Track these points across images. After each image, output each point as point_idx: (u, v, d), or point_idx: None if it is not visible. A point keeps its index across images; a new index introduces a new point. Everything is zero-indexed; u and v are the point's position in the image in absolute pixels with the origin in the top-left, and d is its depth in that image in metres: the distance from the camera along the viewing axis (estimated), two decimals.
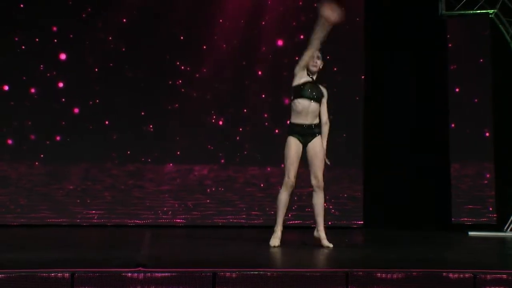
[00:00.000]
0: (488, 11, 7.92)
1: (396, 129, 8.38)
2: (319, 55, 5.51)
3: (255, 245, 5.81)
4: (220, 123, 8.25)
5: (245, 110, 8.29)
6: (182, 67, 8.21)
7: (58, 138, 7.91)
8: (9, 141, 7.85)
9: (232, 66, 8.22)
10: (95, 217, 7.88)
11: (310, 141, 5.47)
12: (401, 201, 8.25)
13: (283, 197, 5.51)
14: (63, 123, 7.93)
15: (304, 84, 5.47)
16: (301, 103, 5.43)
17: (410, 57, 8.50)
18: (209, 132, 8.20)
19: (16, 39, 7.85)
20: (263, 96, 8.33)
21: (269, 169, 8.18)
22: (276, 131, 8.06)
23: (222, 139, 8.22)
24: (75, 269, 3.82)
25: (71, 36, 7.97)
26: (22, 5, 7.89)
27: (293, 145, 5.46)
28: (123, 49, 8.09)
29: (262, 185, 8.21)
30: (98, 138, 7.95)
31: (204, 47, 8.21)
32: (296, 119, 5.48)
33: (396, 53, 8.43)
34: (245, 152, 8.23)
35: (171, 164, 8.13)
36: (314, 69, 5.50)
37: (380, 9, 8.55)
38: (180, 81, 8.21)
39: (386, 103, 8.44)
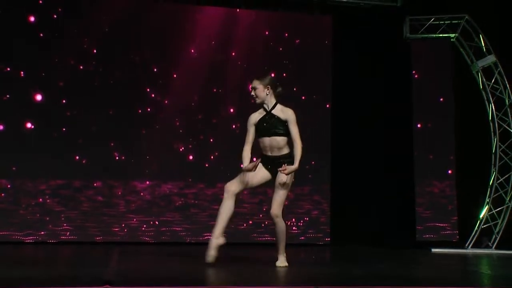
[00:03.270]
0: (450, 35, 8.23)
1: (363, 150, 8.59)
2: (254, 86, 5.26)
3: (223, 262, 5.86)
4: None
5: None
6: (153, 72, 8.29)
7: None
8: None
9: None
10: (64, 234, 7.83)
11: (274, 169, 5.35)
12: (367, 218, 8.42)
13: (222, 205, 5.35)
14: (30, 123, 7.86)
15: (259, 122, 5.30)
16: (262, 141, 5.35)
17: (376, 81, 8.72)
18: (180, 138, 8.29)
19: None
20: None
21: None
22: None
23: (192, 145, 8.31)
24: (43, 287, 3.82)
25: (41, 35, 7.95)
26: None
27: (260, 166, 5.41)
28: (94, 51, 8.10)
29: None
30: (62, 145, 7.89)
31: (174, 53, 8.34)
32: (263, 152, 5.42)
33: (362, 78, 8.65)
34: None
35: (141, 176, 8.13)
36: (258, 101, 5.29)
37: (346, 32, 8.79)
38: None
39: (353, 123, 8.64)
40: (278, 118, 5.29)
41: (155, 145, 8.18)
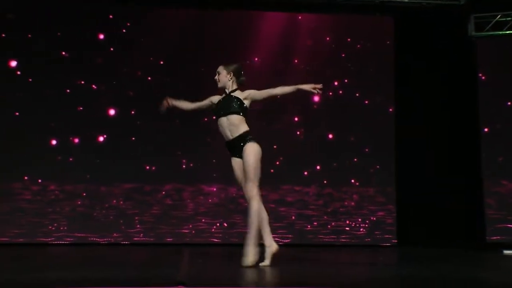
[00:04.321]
0: None
1: (428, 152, 8.49)
2: (218, 71, 5.43)
3: (288, 263, 5.95)
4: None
5: None
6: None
7: (101, 139, 8.22)
8: (53, 142, 8.20)
9: None
10: (138, 236, 8.15)
11: (241, 155, 5.33)
12: (434, 219, 8.32)
13: (258, 210, 5.31)
14: (105, 136, 8.24)
15: (217, 103, 5.44)
16: (220, 124, 5.45)
17: (440, 82, 8.59)
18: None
19: (63, 53, 8.24)
20: None
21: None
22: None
23: None
24: (116, 287, 4.00)
25: (112, 49, 8.31)
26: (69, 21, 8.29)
27: (233, 164, 5.48)
28: (161, 63, 8.40)
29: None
30: (134, 150, 8.20)
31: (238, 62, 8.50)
32: (225, 139, 5.49)
33: (426, 80, 8.54)
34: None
35: (207, 181, 8.37)
36: (219, 85, 5.42)
37: (409, 33, 8.70)
38: None
39: (416, 125, 8.56)
40: (234, 97, 5.38)
41: (221, 151, 8.33)
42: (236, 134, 5.36)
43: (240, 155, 5.35)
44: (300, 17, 8.75)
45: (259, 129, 8.52)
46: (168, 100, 5.52)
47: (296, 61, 8.66)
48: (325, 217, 8.45)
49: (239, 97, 5.42)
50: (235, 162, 5.43)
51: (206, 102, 5.63)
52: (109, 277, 4.66)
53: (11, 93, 8.13)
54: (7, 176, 8.01)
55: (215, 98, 5.55)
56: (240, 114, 5.36)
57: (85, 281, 4.34)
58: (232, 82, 5.42)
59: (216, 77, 5.46)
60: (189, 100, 5.61)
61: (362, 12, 8.69)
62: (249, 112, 5.43)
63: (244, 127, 5.37)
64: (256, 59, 8.59)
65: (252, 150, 5.30)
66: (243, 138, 5.34)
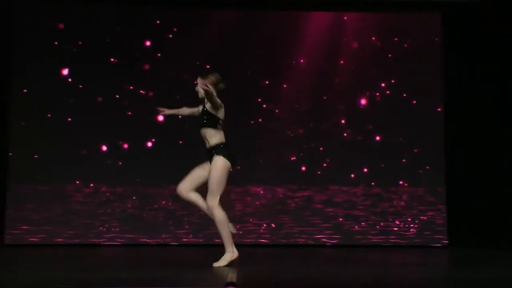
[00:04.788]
0: None
1: (479, 152, 8.26)
2: (197, 82, 5.66)
3: (335, 264, 5.94)
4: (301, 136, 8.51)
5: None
6: (263, 84, 8.54)
7: (149, 144, 8.34)
8: (103, 147, 8.36)
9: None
10: (184, 237, 8.27)
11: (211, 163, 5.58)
12: (486, 220, 8.12)
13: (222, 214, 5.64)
14: (153, 140, 8.39)
15: (199, 114, 5.76)
16: (200, 133, 5.74)
17: (491, 80, 8.37)
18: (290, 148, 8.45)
19: (112, 59, 8.43)
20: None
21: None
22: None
23: (304, 153, 8.44)
24: (168, 287, 4.08)
25: (159, 55, 8.47)
26: (117, 29, 8.46)
27: (203, 164, 5.73)
28: (208, 67, 8.47)
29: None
30: (184, 153, 8.31)
31: (283, 64, 8.55)
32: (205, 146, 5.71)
33: (475, 77, 8.35)
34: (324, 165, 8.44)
35: (255, 183, 8.42)
36: (199, 95, 5.68)
37: (457, 30, 8.52)
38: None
39: (467, 122, 8.38)
40: (206, 110, 5.61)
41: (268, 153, 8.41)
42: (209, 145, 5.64)
43: (211, 162, 5.61)
44: (345, 17, 8.69)
45: (305, 130, 8.63)
46: (160, 110, 5.69)
47: (341, 61, 8.61)
48: (373, 217, 8.39)
49: (208, 109, 5.63)
50: (205, 164, 5.68)
51: (196, 109, 5.87)
52: (161, 278, 4.76)
53: (63, 100, 8.34)
54: (60, 179, 8.23)
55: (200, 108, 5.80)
56: (209, 127, 5.58)
57: (138, 281, 4.43)
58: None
59: (196, 88, 5.66)
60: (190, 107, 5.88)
61: (408, 10, 8.57)
62: (223, 120, 5.68)
63: (215, 139, 5.62)
64: (301, 60, 8.59)
65: (219, 166, 5.57)
66: (213, 148, 5.60)
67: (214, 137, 5.60)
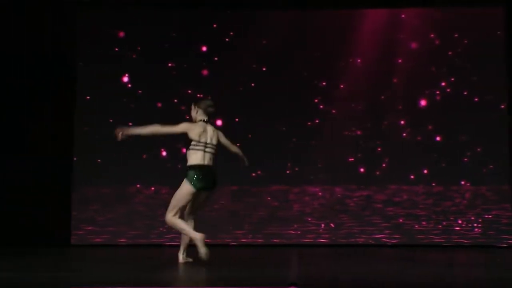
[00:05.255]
0: None
1: None
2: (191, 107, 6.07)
3: (395, 264, 5.87)
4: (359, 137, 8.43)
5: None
6: (320, 85, 8.52)
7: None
8: (164, 154, 8.52)
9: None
10: (243, 237, 8.35)
11: None
12: None
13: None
14: None
15: None
16: None
17: None
18: (348, 148, 8.39)
19: (169, 64, 8.61)
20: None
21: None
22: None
23: (362, 154, 8.38)
24: (231, 287, 4.14)
25: (216, 58, 8.58)
26: (174, 34, 8.64)
27: None
28: (264, 69, 8.56)
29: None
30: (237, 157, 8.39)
31: (340, 64, 8.51)
32: None
33: None
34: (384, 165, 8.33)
35: (313, 183, 8.41)
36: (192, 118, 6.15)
37: None
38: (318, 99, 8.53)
39: None
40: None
41: (326, 154, 8.39)
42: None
43: None
44: (403, 15, 8.55)
45: (363, 130, 8.53)
46: (121, 131, 5.99)
47: (399, 60, 8.48)
48: (434, 216, 8.24)
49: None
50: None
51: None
52: (223, 277, 4.83)
53: (123, 105, 8.55)
54: (123, 182, 8.44)
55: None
56: (188, 149, 5.98)
57: (201, 281, 4.51)
58: (199, 114, 6.05)
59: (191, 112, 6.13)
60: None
61: (469, 5, 8.35)
62: (197, 142, 5.99)
63: (189, 161, 6.01)
64: (358, 60, 8.50)
65: (181, 187, 5.97)
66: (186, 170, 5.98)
67: (188, 158, 6.03)
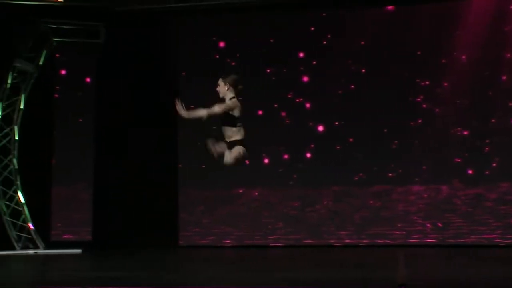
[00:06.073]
0: None
1: None
2: (218, 83, 5.78)
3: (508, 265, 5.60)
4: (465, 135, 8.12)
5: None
6: (422, 83, 8.30)
7: (308, 155, 8.48)
8: (266, 161, 8.64)
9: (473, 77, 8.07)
10: (347, 238, 8.29)
11: None
12: None
13: None
14: (312, 145, 8.52)
15: None
16: None
17: None
18: (454, 147, 8.13)
19: (268, 70, 8.72)
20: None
21: None
22: None
23: (469, 153, 8.08)
24: None
25: (315, 62, 8.58)
26: (271, 40, 8.72)
27: None
28: (363, 71, 8.46)
29: None
30: (344, 157, 8.36)
31: (443, 61, 8.22)
32: None
33: None
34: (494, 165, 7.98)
35: (417, 183, 8.21)
36: (220, 95, 5.79)
37: None
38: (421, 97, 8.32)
39: None
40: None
41: (430, 153, 8.13)
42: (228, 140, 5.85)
43: None
44: (511, 6, 8.10)
45: (469, 128, 8.14)
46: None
47: (507, 55, 8.03)
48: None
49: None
50: None
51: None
52: (330, 279, 4.83)
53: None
54: (226, 185, 8.61)
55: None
56: (226, 125, 5.83)
57: (307, 282, 4.53)
58: (230, 91, 5.83)
59: (217, 88, 5.90)
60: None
61: None
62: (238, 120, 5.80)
63: (236, 136, 5.82)
64: (463, 56, 8.13)
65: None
66: (233, 144, 5.79)
67: (233, 135, 5.82)
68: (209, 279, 4.94)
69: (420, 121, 8.28)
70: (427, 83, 8.27)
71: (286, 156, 8.59)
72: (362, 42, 8.40)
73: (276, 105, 8.66)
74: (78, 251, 7.63)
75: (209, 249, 8.35)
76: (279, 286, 4.45)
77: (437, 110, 8.23)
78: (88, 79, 9.00)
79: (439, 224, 8.09)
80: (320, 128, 8.49)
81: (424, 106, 8.28)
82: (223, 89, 5.91)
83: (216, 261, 6.53)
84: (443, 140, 8.15)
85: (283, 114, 8.65)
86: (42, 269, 6.10)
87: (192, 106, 5.74)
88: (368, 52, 8.36)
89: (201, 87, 8.72)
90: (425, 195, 8.17)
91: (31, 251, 7.50)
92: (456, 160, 8.13)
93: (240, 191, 8.67)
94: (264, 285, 4.56)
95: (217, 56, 8.82)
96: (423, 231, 8.11)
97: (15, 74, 7.77)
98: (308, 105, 8.57)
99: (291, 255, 7.51)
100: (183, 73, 8.88)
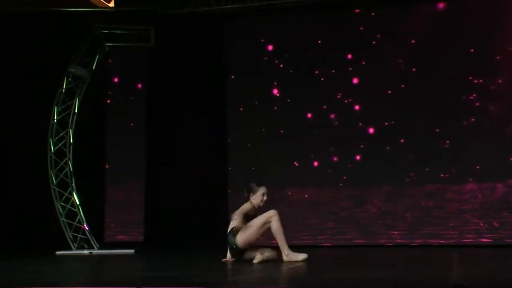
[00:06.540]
0: None
1: None
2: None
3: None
4: None
5: None
6: (475, 81, 8.09)
7: (358, 157, 8.45)
8: (315, 163, 8.61)
9: None
10: (398, 238, 8.18)
11: None
12: None
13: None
14: (362, 146, 8.45)
15: None
16: None
17: None
18: (509, 145, 7.90)
19: (316, 72, 8.67)
20: None
21: None
22: None
23: None
24: None
25: (364, 62, 8.48)
26: (319, 41, 8.69)
27: None
28: (414, 70, 8.32)
29: None
30: (395, 158, 8.26)
31: (498, 57, 8.00)
32: None
33: None
34: None
35: (471, 182, 8.02)
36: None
37: None
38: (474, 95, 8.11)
39: None
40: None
41: (483, 153, 7.95)
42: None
43: None
44: None
45: (494, 132, 7.92)
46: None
47: None
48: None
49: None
50: None
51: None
52: (381, 279, 4.78)
53: (273, 115, 8.75)
54: (275, 187, 8.67)
55: None
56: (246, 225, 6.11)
57: (360, 283, 4.50)
58: (261, 202, 6.18)
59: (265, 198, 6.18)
60: None
61: None
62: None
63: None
64: None
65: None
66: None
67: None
68: (264, 279, 4.96)
69: (473, 119, 8.09)
70: (481, 81, 8.09)
71: (335, 159, 8.54)
72: (413, 41, 8.29)
73: (325, 107, 8.63)
74: (131, 251, 7.79)
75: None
76: (325, 286, 4.42)
77: (491, 108, 8.03)
78: (139, 85, 9.20)
79: (495, 224, 7.89)
80: (370, 130, 8.41)
81: (477, 104, 8.10)
82: (258, 200, 6.17)
83: (264, 262, 6.53)
84: (497, 138, 7.97)
85: (332, 116, 8.61)
86: (97, 269, 6.26)
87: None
88: (418, 51, 8.25)
89: (248, 90, 8.86)
90: (480, 195, 7.99)
91: (86, 251, 7.71)
92: (511, 158, 7.92)
93: (289, 193, 8.67)
94: (310, 285, 4.54)
95: (266, 58, 8.87)
96: (477, 231, 7.93)
97: (69, 79, 8.01)
98: (357, 107, 8.52)
99: (341, 255, 7.47)
100: (232, 76, 8.96)
